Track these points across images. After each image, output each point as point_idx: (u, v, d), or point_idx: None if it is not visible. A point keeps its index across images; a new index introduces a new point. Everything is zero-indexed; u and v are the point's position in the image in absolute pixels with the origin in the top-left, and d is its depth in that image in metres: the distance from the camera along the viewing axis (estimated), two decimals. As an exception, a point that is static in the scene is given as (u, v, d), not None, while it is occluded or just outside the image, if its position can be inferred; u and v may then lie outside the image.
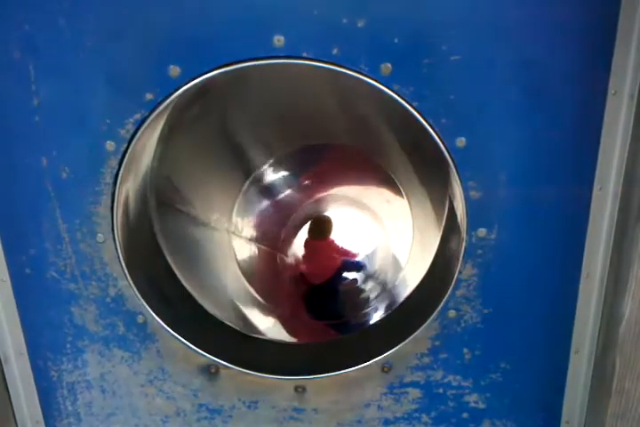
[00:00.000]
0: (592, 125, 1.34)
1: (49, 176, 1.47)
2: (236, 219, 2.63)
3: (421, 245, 2.55)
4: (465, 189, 1.41)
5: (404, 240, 2.70)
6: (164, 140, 1.80)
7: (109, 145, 1.42)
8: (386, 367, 1.63)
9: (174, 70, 1.34)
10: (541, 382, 1.62)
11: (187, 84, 1.35)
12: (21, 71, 1.37)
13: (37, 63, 1.36)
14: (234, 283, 2.54)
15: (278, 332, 2.46)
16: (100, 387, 1.72)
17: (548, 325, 1.55)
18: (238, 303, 2.38)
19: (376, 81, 1.32)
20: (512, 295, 1.53)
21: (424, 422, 1.70)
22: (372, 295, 2.89)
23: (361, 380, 1.66)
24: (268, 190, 2.80)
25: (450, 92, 1.32)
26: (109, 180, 1.46)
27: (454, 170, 1.39)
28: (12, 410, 1.71)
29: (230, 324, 1.95)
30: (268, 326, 2.47)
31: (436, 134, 1.36)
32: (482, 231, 1.44)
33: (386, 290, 2.80)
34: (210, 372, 1.68)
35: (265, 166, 2.69)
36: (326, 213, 3.07)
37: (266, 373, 1.67)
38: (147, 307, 1.59)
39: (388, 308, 2.55)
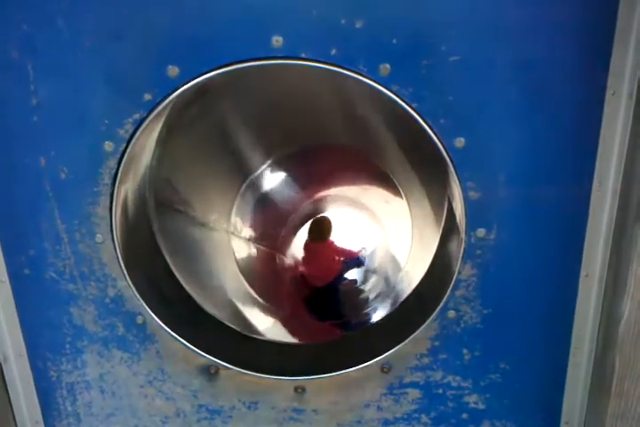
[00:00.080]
0: (591, 125, 1.34)
1: (47, 176, 1.47)
2: (234, 219, 2.62)
3: (420, 245, 2.54)
4: (464, 190, 1.41)
5: (403, 241, 2.69)
6: (163, 140, 1.80)
7: (108, 145, 1.42)
8: (385, 368, 1.63)
9: (173, 70, 1.34)
10: (541, 383, 1.62)
11: (185, 84, 1.35)
12: (20, 71, 1.37)
13: (36, 63, 1.36)
14: (233, 283, 2.53)
15: (278, 332, 2.46)
16: (100, 387, 1.72)
17: (548, 325, 1.55)
18: (238, 304, 2.38)
19: (375, 81, 1.32)
20: (511, 296, 1.53)
21: (424, 423, 1.70)
22: (372, 296, 2.89)
23: (360, 380, 1.66)
24: (267, 191, 2.79)
25: (448, 93, 1.32)
26: (108, 180, 1.46)
27: (453, 170, 1.39)
28: (12, 410, 1.71)
29: (230, 324, 1.95)
30: (267, 326, 2.46)
31: (435, 135, 1.36)
32: (481, 231, 1.44)
33: (385, 290, 2.80)
34: (209, 372, 1.67)
35: (264, 167, 2.68)
36: (325, 214, 3.06)
37: (265, 373, 1.67)
38: (146, 307, 1.59)
39: (387, 308, 2.55)
